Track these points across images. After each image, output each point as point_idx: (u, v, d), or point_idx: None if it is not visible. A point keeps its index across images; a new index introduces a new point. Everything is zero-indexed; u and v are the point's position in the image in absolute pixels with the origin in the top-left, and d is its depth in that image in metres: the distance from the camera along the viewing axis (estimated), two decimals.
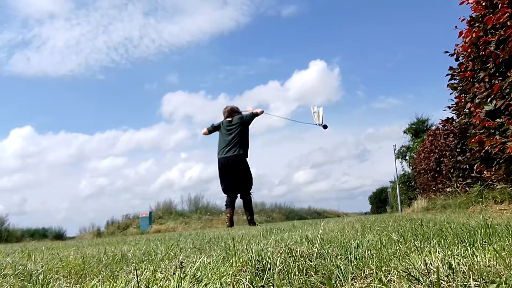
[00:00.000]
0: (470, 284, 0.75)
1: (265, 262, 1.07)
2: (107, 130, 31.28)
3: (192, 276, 1.01)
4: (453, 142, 7.07)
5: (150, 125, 34.54)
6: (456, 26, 4.83)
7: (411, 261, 0.97)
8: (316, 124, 6.15)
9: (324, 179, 35.02)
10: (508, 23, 3.73)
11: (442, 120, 7.83)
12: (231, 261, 1.16)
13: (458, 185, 6.48)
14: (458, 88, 5.48)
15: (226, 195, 5.96)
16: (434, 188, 8.86)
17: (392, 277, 0.86)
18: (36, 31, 28.11)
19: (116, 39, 30.40)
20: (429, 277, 0.82)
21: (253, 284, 0.90)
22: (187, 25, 32.45)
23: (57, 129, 34.40)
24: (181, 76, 32.63)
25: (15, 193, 25.88)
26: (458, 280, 0.77)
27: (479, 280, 0.77)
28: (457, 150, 6.91)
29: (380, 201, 25.47)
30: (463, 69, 5.03)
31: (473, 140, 4.49)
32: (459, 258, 0.96)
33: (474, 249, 1.10)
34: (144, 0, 30.75)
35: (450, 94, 5.82)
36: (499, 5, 3.83)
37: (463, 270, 0.84)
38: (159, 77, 33.72)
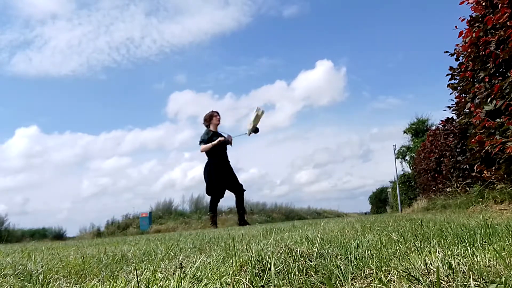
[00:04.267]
0: (470, 284, 0.75)
1: (265, 262, 1.07)
2: (113, 130, 31.22)
3: (192, 276, 1.01)
4: (453, 142, 7.06)
5: (155, 124, 34.52)
6: (456, 26, 4.83)
7: (411, 261, 0.97)
8: (245, 133, 6.45)
9: (326, 179, 34.95)
10: (508, 23, 3.73)
11: (442, 120, 7.81)
12: (231, 261, 1.16)
13: (458, 185, 6.48)
14: (458, 88, 5.48)
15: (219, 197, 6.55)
16: (434, 188, 8.85)
17: (392, 277, 0.86)
18: (38, 31, 28.06)
19: (117, 39, 30.37)
20: (429, 277, 0.82)
21: (253, 284, 0.90)
22: (188, 26, 32.43)
23: (63, 129, 34.37)
24: (188, 76, 32.64)
25: (18, 192, 25.84)
26: (458, 280, 0.77)
27: (479, 280, 0.77)
28: (457, 150, 6.91)
29: (380, 201, 25.44)
30: (463, 69, 5.02)
31: (473, 140, 4.48)
32: (459, 258, 0.96)
33: (474, 249, 1.10)
34: (146, 1, 30.72)
35: (450, 94, 5.81)
36: (499, 5, 3.83)
37: (463, 270, 0.84)
38: (163, 77, 33.71)
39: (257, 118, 6.29)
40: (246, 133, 6.44)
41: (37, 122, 34.17)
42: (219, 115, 6.54)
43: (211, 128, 6.47)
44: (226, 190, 6.51)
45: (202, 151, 6.39)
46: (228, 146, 6.56)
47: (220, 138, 6.28)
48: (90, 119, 30.87)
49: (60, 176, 26.48)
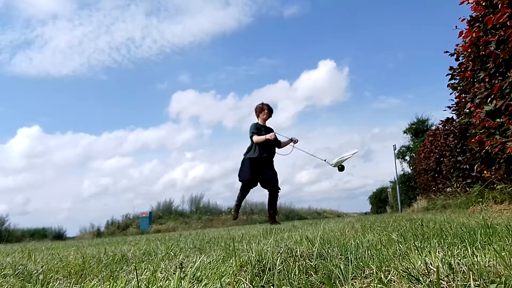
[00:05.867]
0: (470, 284, 0.75)
1: (265, 262, 1.07)
2: (115, 130, 31.15)
3: (192, 276, 1.01)
4: (453, 142, 7.07)
5: (157, 124, 34.42)
6: (456, 26, 4.84)
7: (411, 261, 0.97)
8: (329, 163, 6.11)
9: (327, 178, 34.84)
10: (508, 23, 3.73)
11: (442, 120, 7.81)
12: (231, 261, 1.16)
13: (458, 185, 6.48)
14: (458, 88, 5.48)
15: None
16: (434, 188, 8.85)
17: (392, 277, 0.86)
18: (38, 32, 27.98)
19: (118, 40, 30.31)
20: (429, 277, 0.82)
21: (253, 284, 0.90)
22: (189, 26, 32.41)
23: (65, 129, 34.26)
24: (190, 76, 32.59)
25: (19, 192, 25.83)
26: (458, 280, 0.77)
27: (479, 280, 0.77)
28: (457, 150, 6.91)
29: (380, 201, 25.40)
30: (463, 69, 5.02)
31: (473, 140, 4.49)
32: (459, 258, 0.96)
33: (474, 249, 1.10)
34: (147, 1, 30.68)
35: (450, 94, 5.82)
36: (499, 5, 3.83)
37: (463, 270, 0.84)
38: (165, 77, 33.64)
39: (344, 159, 6.04)
40: (330, 163, 6.09)
41: (39, 122, 34.16)
42: (267, 110, 6.22)
43: (259, 121, 6.20)
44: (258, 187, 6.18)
45: (256, 143, 6.06)
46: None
47: (271, 135, 5.97)
48: (92, 119, 30.83)
49: (62, 176, 26.51)
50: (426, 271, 0.86)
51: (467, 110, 5.12)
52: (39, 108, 30.65)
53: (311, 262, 1.10)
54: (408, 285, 0.80)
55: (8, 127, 27.23)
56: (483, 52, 4.29)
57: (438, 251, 1.08)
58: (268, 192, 6.15)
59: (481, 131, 4.37)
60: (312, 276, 0.97)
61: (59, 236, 15.35)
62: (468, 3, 4.52)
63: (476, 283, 0.76)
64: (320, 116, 34.39)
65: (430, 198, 8.88)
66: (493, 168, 4.52)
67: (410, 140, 17.50)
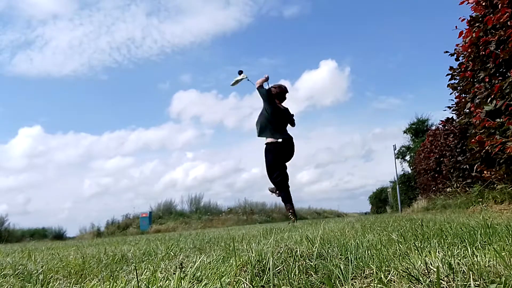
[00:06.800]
0: (470, 284, 0.75)
1: (265, 262, 1.07)
2: (116, 130, 31.18)
3: (192, 276, 1.01)
4: (453, 142, 7.07)
5: (158, 124, 34.44)
6: (456, 26, 4.84)
7: (411, 261, 0.97)
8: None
9: (327, 179, 34.83)
10: (508, 23, 3.73)
11: (442, 120, 7.81)
12: (231, 261, 1.16)
13: (458, 185, 6.48)
14: (458, 88, 5.48)
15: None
16: (434, 188, 8.85)
17: (392, 277, 0.86)
18: (39, 32, 28.06)
19: (118, 40, 30.36)
20: (429, 277, 0.82)
21: (253, 284, 0.90)
22: (189, 26, 32.46)
23: (66, 129, 34.31)
24: (192, 76, 32.61)
25: (20, 192, 25.92)
26: (458, 280, 0.77)
27: (479, 280, 0.77)
28: (457, 150, 6.91)
29: (380, 201, 25.38)
30: (463, 69, 5.03)
31: (473, 140, 4.49)
32: (459, 258, 0.96)
33: (474, 249, 1.10)
34: (147, 1, 30.71)
35: (450, 94, 5.82)
36: (499, 5, 3.83)
37: (463, 270, 0.84)
38: (165, 77, 33.67)
39: (237, 82, 5.92)
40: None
41: (40, 122, 34.26)
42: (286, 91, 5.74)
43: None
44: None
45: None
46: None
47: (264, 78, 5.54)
48: (93, 119, 30.91)
49: (62, 176, 26.58)
50: (426, 271, 0.86)
51: (467, 110, 5.12)
52: (40, 108, 30.74)
53: (311, 262, 1.10)
54: (408, 285, 0.80)
55: (9, 127, 27.33)
56: (483, 52, 4.29)
57: (438, 251, 1.08)
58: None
59: (481, 131, 4.37)
60: (312, 276, 0.97)
61: (59, 236, 15.36)
62: (468, 3, 4.51)
63: (476, 283, 0.76)
64: (321, 116, 34.41)
65: (430, 198, 8.88)
66: (493, 168, 4.52)
67: (410, 140, 17.52)
